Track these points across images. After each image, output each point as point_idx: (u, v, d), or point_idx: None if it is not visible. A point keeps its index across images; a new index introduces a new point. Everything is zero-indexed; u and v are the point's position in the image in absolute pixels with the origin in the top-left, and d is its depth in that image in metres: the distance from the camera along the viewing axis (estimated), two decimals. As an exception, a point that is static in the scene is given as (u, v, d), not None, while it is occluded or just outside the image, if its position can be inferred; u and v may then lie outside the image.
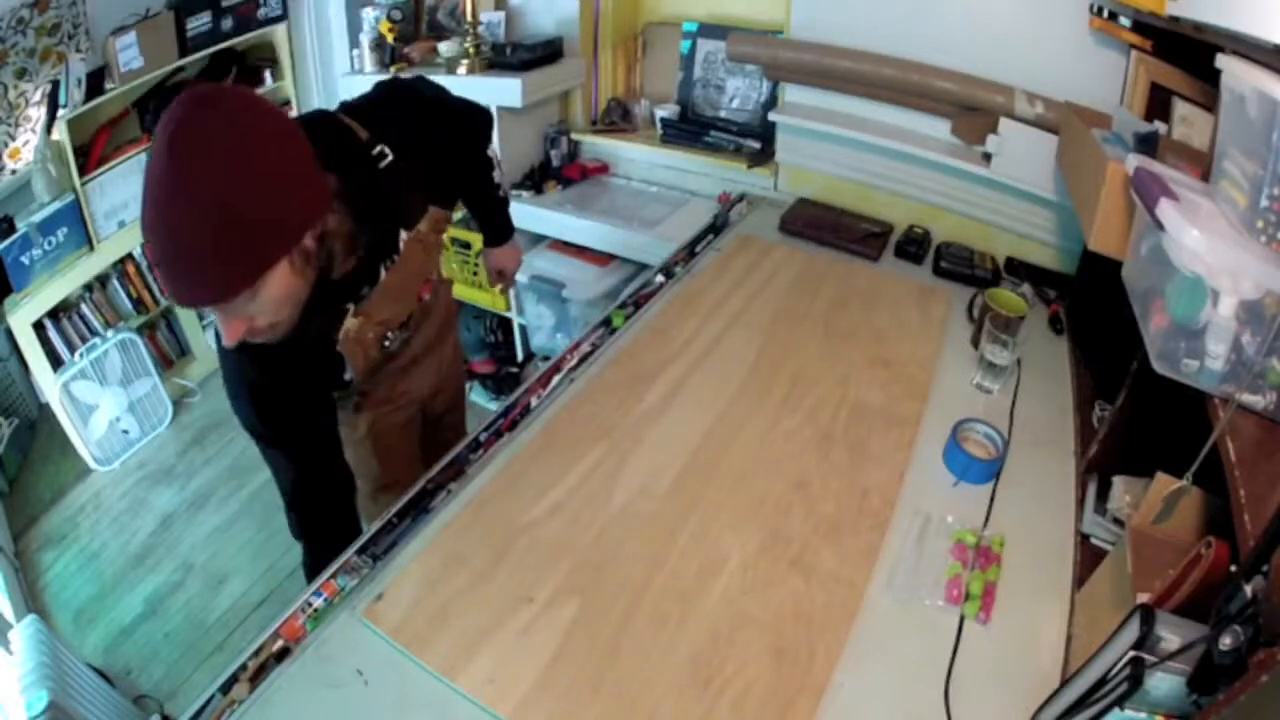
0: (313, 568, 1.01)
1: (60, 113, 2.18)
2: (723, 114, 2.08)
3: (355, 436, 1.21)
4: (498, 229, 1.39)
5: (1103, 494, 1.02)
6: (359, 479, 1.13)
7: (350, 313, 0.97)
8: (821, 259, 1.62)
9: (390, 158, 0.92)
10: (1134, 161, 0.86)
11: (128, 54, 2.23)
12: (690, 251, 1.64)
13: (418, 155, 0.98)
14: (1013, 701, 0.78)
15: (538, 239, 2.20)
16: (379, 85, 1.07)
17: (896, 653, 0.85)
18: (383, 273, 0.98)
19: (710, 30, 2.04)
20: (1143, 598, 0.72)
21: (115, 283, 2.53)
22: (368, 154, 0.91)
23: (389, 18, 2.22)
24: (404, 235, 0.99)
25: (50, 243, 2.25)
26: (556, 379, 1.23)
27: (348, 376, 1.04)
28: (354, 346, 1.01)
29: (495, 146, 1.27)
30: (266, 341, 0.81)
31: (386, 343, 1.07)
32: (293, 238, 0.73)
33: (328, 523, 1.05)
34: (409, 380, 1.23)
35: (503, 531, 0.98)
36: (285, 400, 0.95)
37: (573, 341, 1.35)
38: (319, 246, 0.78)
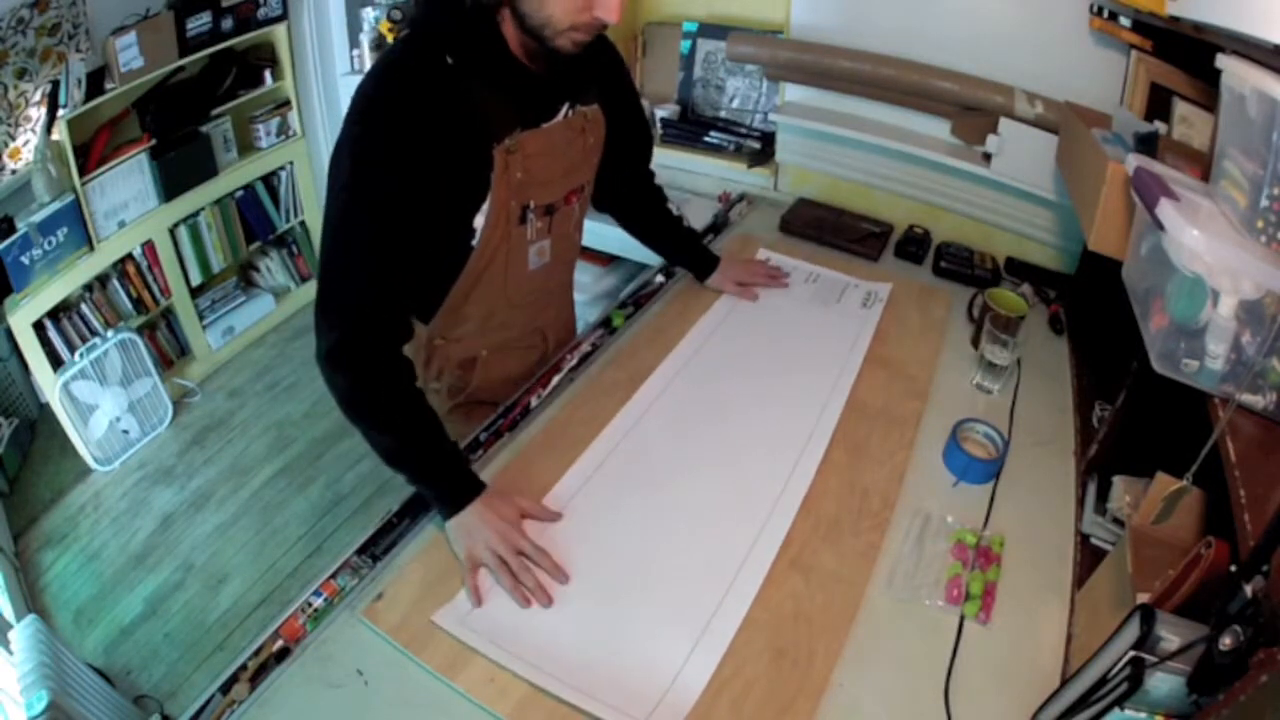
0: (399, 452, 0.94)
1: (60, 113, 2.17)
2: (723, 114, 2.08)
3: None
4: (703, 254, 1.47)
5: (1103, 494, 1.02)
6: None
7: (506, 146, 0.94)
8: (822, 259, 1.62)
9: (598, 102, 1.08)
10: (1134, 161, 0.86)
11: (128, 54, 2.23)
12: (690, 251, 1.64)
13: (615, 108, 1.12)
14: (1013, 701, 0.78)
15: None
16: None
17: (896, 653, 0.85)
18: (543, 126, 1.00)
19: (710, 30, 2.03)
20: (1143, 598, 0.72)
21: (115, 283, 2.53)
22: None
23: (389, 17, 2.23)
24: (565, 109, 1.04)
25: (50, 243, 2.25)
26: (556, 379, 1.23)
27: (474, 241, 0.99)
28: (500, 187, 0.96)
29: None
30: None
31: (528, 211, 1.02)
32: None
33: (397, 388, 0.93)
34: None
35: (503, 531, 0.97)
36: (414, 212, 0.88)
37: (573, 341, 1.35)
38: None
